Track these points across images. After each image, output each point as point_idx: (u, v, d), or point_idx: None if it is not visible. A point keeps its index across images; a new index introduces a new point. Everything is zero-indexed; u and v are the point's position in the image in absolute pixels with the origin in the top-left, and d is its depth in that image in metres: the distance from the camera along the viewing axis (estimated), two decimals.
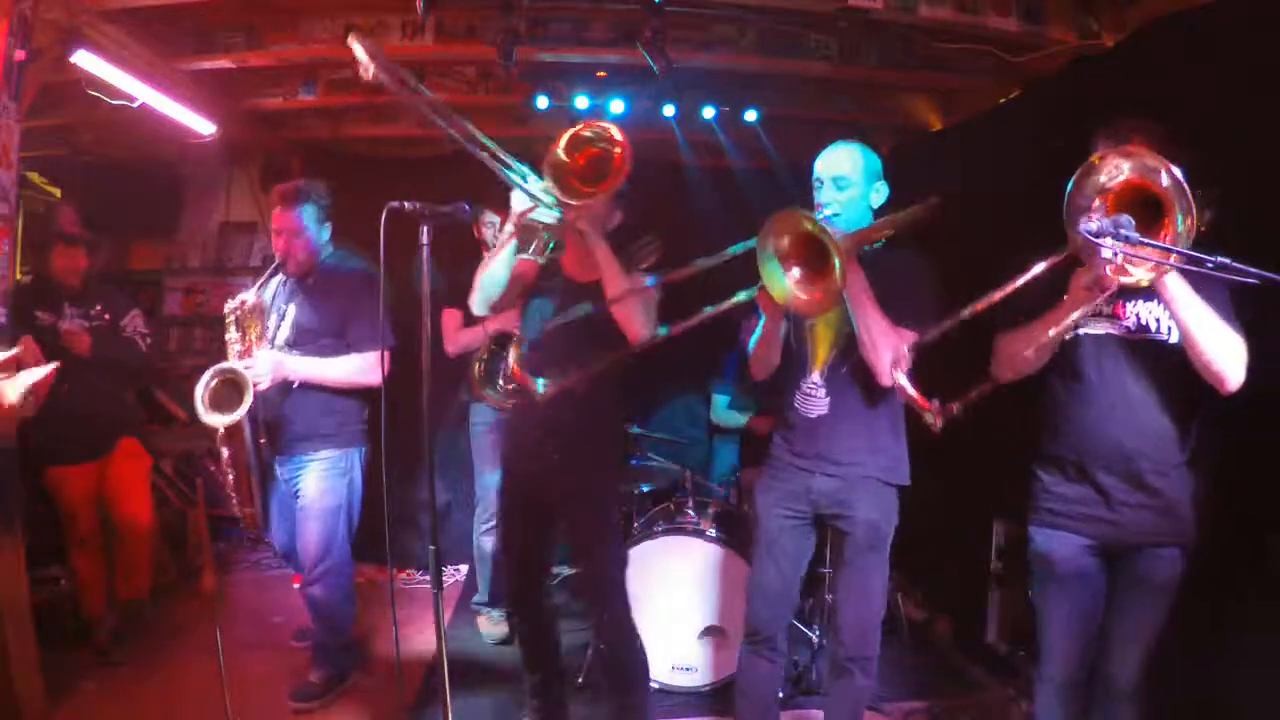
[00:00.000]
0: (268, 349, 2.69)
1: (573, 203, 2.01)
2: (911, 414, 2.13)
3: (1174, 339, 1.78)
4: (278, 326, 2.79)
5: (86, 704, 2.81)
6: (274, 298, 2.86)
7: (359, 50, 1.69)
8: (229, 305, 2.70)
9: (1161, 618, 1.85)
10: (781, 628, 2.29)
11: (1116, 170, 1.55)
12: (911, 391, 1.72)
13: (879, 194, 2.13)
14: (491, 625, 3.53)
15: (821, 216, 1.97)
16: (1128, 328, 1.85)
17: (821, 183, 2.10)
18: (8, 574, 2.47)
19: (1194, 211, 1.46)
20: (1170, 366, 1.79)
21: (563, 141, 2.06)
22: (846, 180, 2.08)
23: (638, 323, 2.12)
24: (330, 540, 2.80)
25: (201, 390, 2.56)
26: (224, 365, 2.60)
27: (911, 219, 2.09)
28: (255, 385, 2.57)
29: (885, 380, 1.99)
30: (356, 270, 2.81)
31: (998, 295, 1.66)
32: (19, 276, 3.24)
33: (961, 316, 1.67)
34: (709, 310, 1.96)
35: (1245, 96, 2.11)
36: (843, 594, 2.20)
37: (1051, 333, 1.76)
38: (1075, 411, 1.91)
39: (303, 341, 2.74)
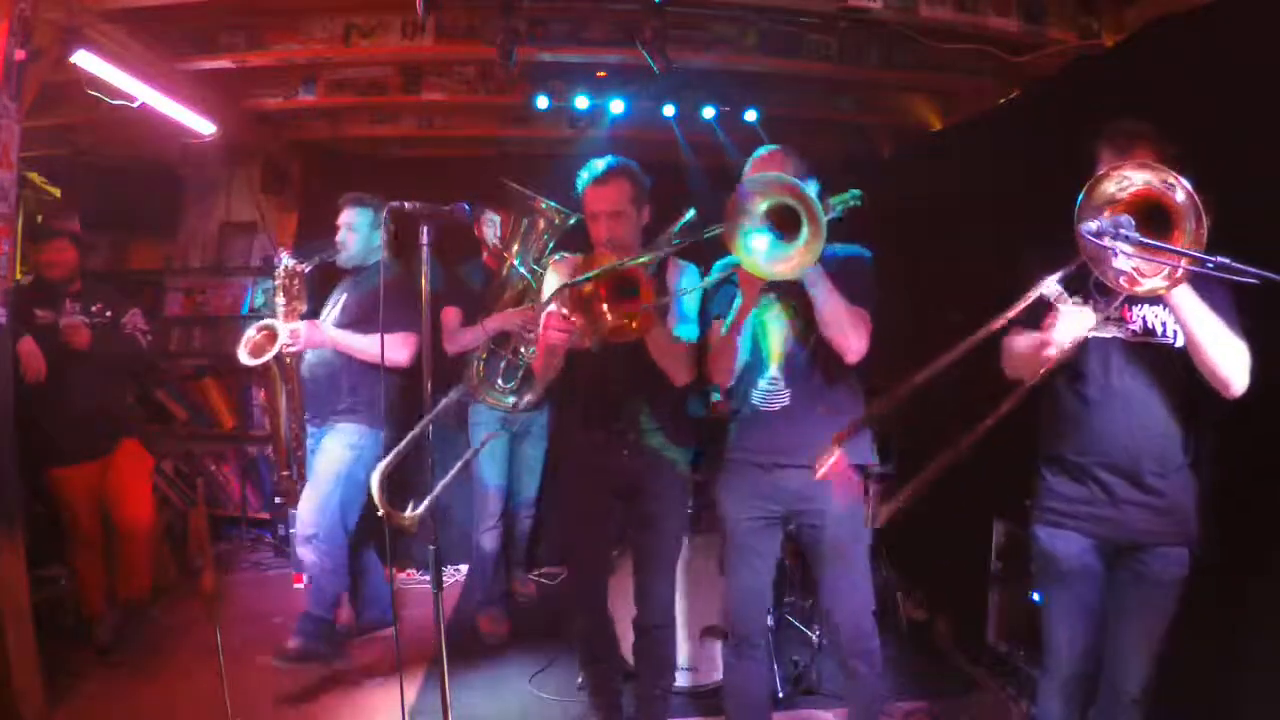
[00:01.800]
0: (313, 322, 3.04)
1: (631, 326, 2.06)
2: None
3: (1179, 343, 1.79)
4: (332, 310, 3.16)
5: (86, 704, 2.81)
6: (335, 288, 3.26)
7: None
8: (277, 268, 3.11)
9: (1167, 620, 1.84)
10: (762, 626, 2.30)
11: (1127, 181, 1.54)
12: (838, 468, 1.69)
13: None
14: (491, 625, 3.53)
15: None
16: (1133, 331, 1.85)
17: None
18: (8, 574, 2.47)
19: (1204, 226, 1.45)
20: (1174, 370, 1.80)
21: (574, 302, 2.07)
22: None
23: (681, 373, 2.26)
24: (321, 504, 2.99)
25: (246, 337, 3.04)
26: (267, 321, 3.03)
27: (844, 205, 2.12)
28: (288, 342, 2.94)
29: (853, 357, 2.03)
30: (397, 270, 3.08)
31: (1011, 313, 1.65)
32: (19, 277, 3.24)
33: (980, 336, 1.65)
34: (708, 281, 2.12)
35: (1245, 96, 2.11)
36: (831, 592, 2.18)
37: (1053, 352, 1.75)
38: (1080, 414, 1.91)
39: (349, 324, 3.07)
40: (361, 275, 3.19)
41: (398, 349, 2.99)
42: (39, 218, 3.97)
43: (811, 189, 2.09)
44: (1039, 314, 1.80)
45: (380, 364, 2.92)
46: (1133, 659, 1.86)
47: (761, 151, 2.16)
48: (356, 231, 3.14)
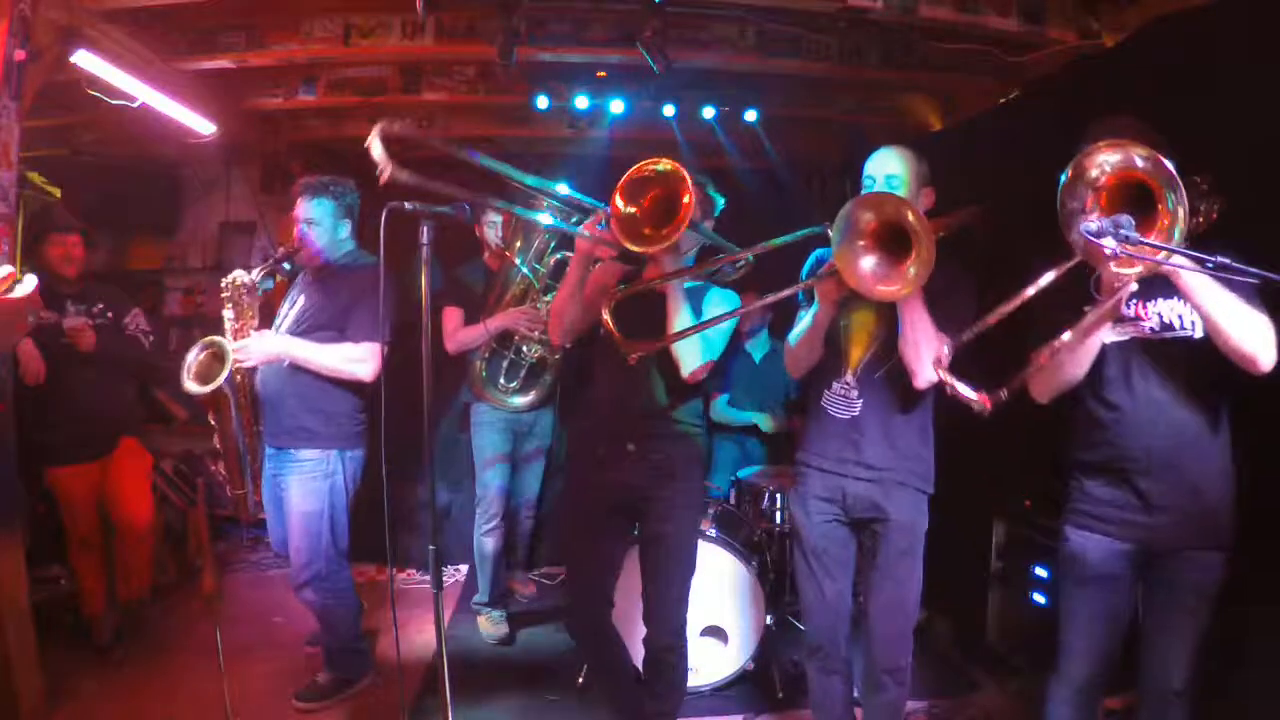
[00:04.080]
0: (263, 332, 2.70)
1: (645, 250, 2.00)
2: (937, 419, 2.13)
3: (1198, 334, 1.75)
4: (286, 314, 2.83)
5: (86, 704, 2.81)
6: (291, 288, 2.92)
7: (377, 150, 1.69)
8: (224, 281, 2.73)
9: (1204, 622, 1.81)
10: (844, 637, 2.24)
11: (1103, 165, 1.54)
12: (958, 385, 1.63)
13: (927, 199, 2.10)
14: (491, 625, 3.53)
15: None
16: (1151, 329, 1.82)
17: (874, 180, 2.08)
18: (8, 574, 2.47)
19: (1183, 192, 1.44)
20: (1198, 362, 1.75)
21: (620, 194, 2.02)
22: (899, 179, 2.06)
23: (691, 358, 2.15)
24: (313, 545, 2.75)
25: (190, 360, 2.64)
26: (212, 338, 2.65)
27: (960, 224, 2.07)
28: (239, 361, 2.61)
29: (921, 383, 1.99)
30: (367, 266, 2.79)
31: (1008, 308, 1.62)
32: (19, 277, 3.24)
33: (976, 331, 1.64)
34: (770, 297, 2.04)
35: (1245, 96, 2.11)
36: (876, 602, 2.15)
37: (1083, 339, 1.71)
38: (1110, 421, 1.86)
39: (306, 331, 2.73)
40: (325, 274, 2.80)
41: (363, 362, 2.66)
42: (37, 218, 3.96)
43: (930, 198, 2.08)
44: (1059, 320, 1.75)
45: (343, 375, 2.68)
46: (1170, 659, 1.83)
47: (883, 150, 2.11)
48: (318, 225, 2.76)
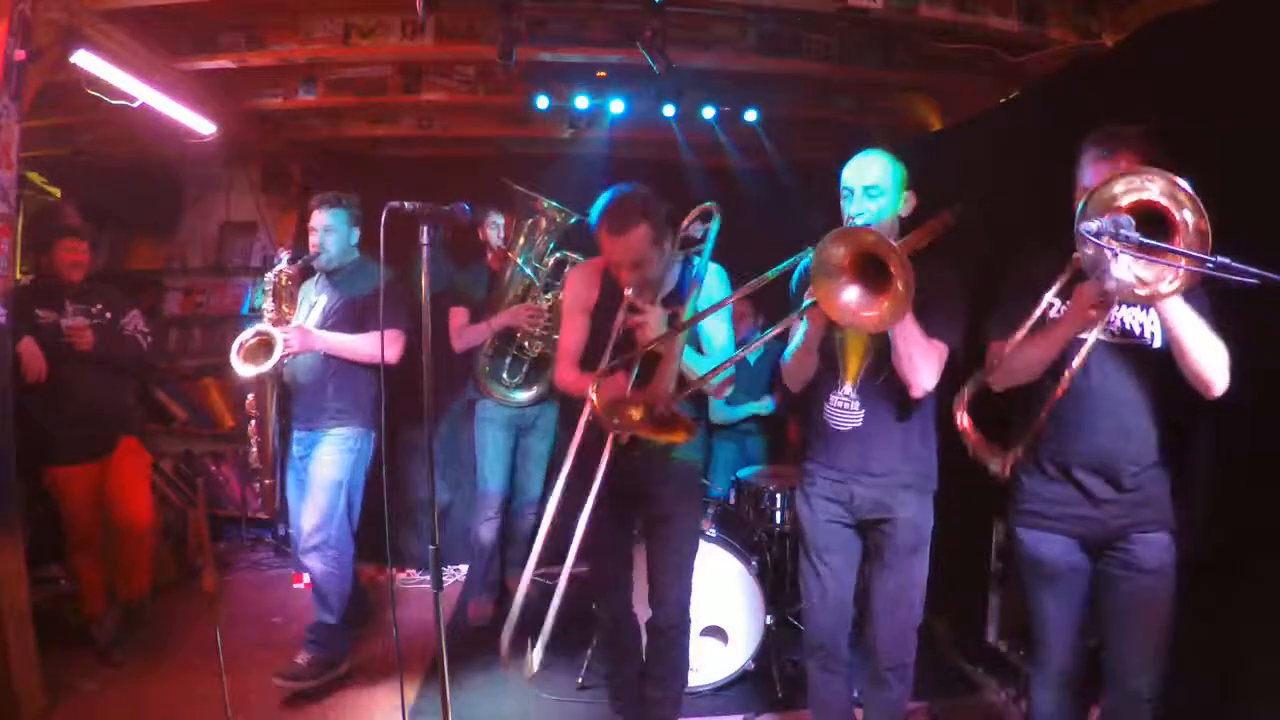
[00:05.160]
0: (299, 324, 2.97)
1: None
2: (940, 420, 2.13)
3: (1157, 344, 1.80)
4: (307, 314, 3.06)
5: (86, 704, 2.81)
6: (307, 290, 3.16)
7: None
8: (269, 275, 3.03)
9: (1164, 613, 1.84)
10: (844, 636, 2.26)
11: (1138, 187, 1.53)
12: (977, 438, 1.72)
13: (907, 203, 2.09)
14: (478, 609, 3.57)
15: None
16: (1113, 332, 1.86)
17: (851, 191, 2.05)
18: (8, 574, 2.47)
19: (1207, 228, 1.44)
20: (1153, 370, 1.82)
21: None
22: (878, 189, 2.03)
23: (723, 387, 2.31)
24: (329, 512, 2.94)
25: (239, 344, 2.88)
26: (262, 326, 2.89)
27: (943, 227, 2.06)
28: (288, 345, 2.85)
29: (918, 393, 2.00)
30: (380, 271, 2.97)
31: (1022, 332, 1.70)
32: (19, 277, 3.24)
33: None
34: (771, 332, 2.07)
35: (1245, 96, 2.11)
36: (881, 600, 2.16)
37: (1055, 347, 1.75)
38: (1060, 416, 1.88)
39: (332, 327, 3.01)
40: (339, 276, 3.07)
41: (391, 344, 2.92)
42: (40, 219, 3.96)
43: (910, 202, 2.09)
44: (1019, 318, 1.79)
45: (370, 363, 2.97)
46: (1135, 655, 1.86)
47: (860, 156, 2.09)
48: (334, 232, 3.01)
